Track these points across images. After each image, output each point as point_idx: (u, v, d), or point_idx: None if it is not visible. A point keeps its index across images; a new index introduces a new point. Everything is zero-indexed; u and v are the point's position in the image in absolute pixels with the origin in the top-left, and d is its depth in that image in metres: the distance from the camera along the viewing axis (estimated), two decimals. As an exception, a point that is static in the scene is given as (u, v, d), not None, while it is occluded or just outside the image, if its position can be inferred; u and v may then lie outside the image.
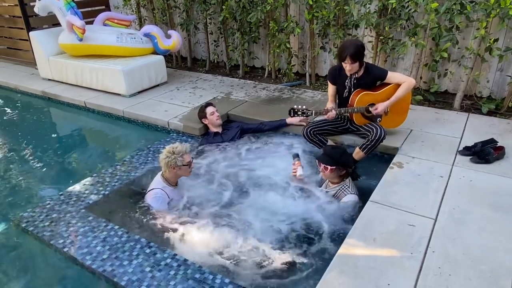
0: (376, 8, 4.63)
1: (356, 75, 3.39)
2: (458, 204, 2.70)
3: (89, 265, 2.49)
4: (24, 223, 2.92)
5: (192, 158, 3.08)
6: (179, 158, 2.91)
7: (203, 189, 3.33)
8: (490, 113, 4.27)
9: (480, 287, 2.04)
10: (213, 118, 3.99)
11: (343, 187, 2.90)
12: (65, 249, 2.63)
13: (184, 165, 2.96)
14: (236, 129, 4.07)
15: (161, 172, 3.08)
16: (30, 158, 4.19)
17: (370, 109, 3.41)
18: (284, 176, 3.42)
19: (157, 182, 3.05)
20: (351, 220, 2.74)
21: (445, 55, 4.23)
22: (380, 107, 3.38)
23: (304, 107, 3.32)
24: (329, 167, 2.85)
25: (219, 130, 4.07)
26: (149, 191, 3.06)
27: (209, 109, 3.99)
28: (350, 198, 2.84)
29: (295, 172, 3.18)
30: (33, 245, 2.81)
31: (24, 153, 4.30)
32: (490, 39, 3.98)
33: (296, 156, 3.28)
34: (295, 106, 3.33)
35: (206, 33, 6.50)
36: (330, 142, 3.60)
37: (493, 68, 4.43)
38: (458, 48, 4.45)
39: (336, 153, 2.88)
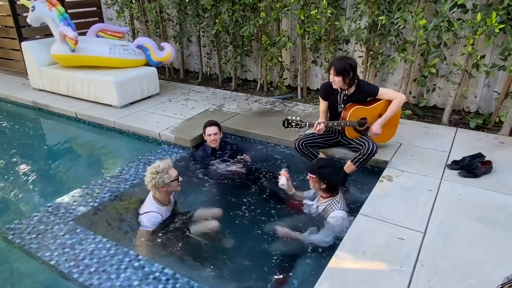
0: (366, 24, 4.73)
1: (347, 92, 3.44)
2: (446, 218, 2.72)
3: (76, 278, 2.45)
4: (10, 235, 2.87)
5: (177, 171, 2.96)
6: (165, 176, 2.79)
7: (193, 202, 3.32)
8: (477, 128, 4.34)
9: (469, 301, 2.05)
10: (209, 139, 3.85)
11: (332, 202, 2.89)
12: (52, 262, 2.58)
13: (172, 181, 2.85)
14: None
15: (151, 194, 2.96)
16: (19, 168, 4.13)
17: (368, 133, 3.45)
18: (274, 190, 3.43)
19: (151, 204, 2.93)
20: (340, 234, 2.74)
21: (434, 70, 4.32)
22: (374, 128, 3.43)
23: (298, 118, 3.34)
24: (309, 174, 2.90)
25: (216, 147, 3.94)
26: (144, 213, 2.93)
27: (209, 130, 3.83)
28: (337, 214, 2.82)
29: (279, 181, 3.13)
30: (19, 258, 2.75)
31: (13, 163, 4.24)
32: (477, 56, 4.08)
33: (286, 167, 3.25)
34: (289, 118, 3.34)
35: (199, 45, 6.55)
36: (321, 155, 3.62)
37: (480, 84, 4.52)
38: (446, 64, 4.55)
39: (316, 165, 2.93)
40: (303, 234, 2.82)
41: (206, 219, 3.02)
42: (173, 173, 2.88)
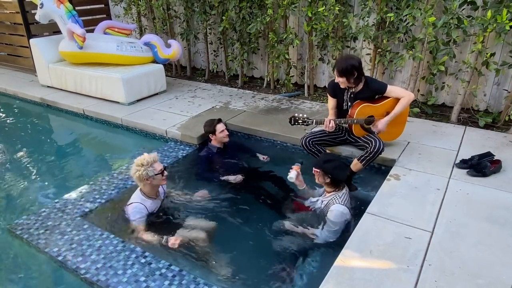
0: (374, 21, 4.68)
1: (354, 90, 3.42)
2: (454, 217, 2.70)
3: (83, 274, 2.47)
4: (19, 230, 2.90)
5: (164, 166, 2.97)
6: (149, 169, 2.82)
7: (199, 200, 3.32)
8: (487, 126, 4.29)
9: (477, 301, 2.03)
10: (222, 136, 3.82)
11: (335, 196, 2.87)
12: (59, 258, 2.61)
13: (156, 175, 2.86)
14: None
15: (139, 187, 2.98)
16: (27, 164, 4.17)
17: (372, 127, 3.43)
18: (279, 189, 3.42)
19: (136, 196, 2.96)
20: (342, 231, 2.75)
21: (442, 68, 4.27)
22: (380, 124, 3.40)
23: (305, 115, 3.33)
24: (314, 169, 2.90)
25: (222, 146, 3.92)
26: (128, 205, 2.96)
27: (220, 126, 3.81)
28: (335, 207, 2.78)
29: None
30: (27, 253, 2.78)
31: (21, 159, 4.28)
32: (487, 53, 4.02)
33: (300, 163, 3.21)
34: (296, 115, 3.34)
35: (206, 43, 6.55)
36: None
37: (489, 82, 4.47)
38: (455, 61, 4.50)
39: (321, 159, 2.91)
40: (306, 230, 2.82)
41: (195, 229, 2.91)
42: (158, 166, 2.89)
